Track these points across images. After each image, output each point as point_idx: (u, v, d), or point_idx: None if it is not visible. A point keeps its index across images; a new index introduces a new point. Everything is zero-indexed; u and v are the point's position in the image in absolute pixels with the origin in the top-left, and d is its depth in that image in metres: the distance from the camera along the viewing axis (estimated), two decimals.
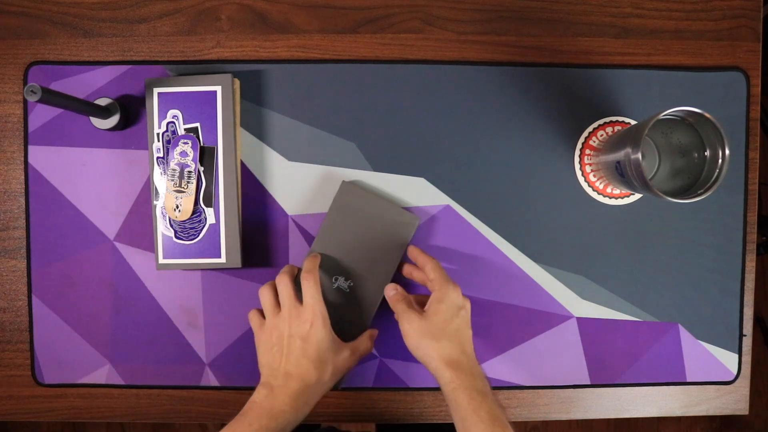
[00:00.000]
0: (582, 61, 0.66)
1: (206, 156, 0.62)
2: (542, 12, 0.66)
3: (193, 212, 0.62)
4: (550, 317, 0.66)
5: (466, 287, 0.66)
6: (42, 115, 0.65)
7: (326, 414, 0.67)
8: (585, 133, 0.66)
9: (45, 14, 0.65)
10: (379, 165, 0.65)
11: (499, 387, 0.67)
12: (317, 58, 0.65)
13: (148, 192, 0.65)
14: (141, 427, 1.55)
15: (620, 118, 0.65)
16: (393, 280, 0.63)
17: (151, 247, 0.65)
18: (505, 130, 0.66)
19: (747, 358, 0.67)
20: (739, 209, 0.66)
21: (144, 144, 0.65)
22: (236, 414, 0.54)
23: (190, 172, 0.62)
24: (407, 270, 0.63)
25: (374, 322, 0.63)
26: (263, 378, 0.56)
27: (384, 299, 0.60)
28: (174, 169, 0.62)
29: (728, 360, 0.67)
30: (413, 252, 0.61)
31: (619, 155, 0.56)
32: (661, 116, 0.51)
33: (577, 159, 0.66)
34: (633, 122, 0.66)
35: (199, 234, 0.63)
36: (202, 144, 0.62)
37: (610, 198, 0.66)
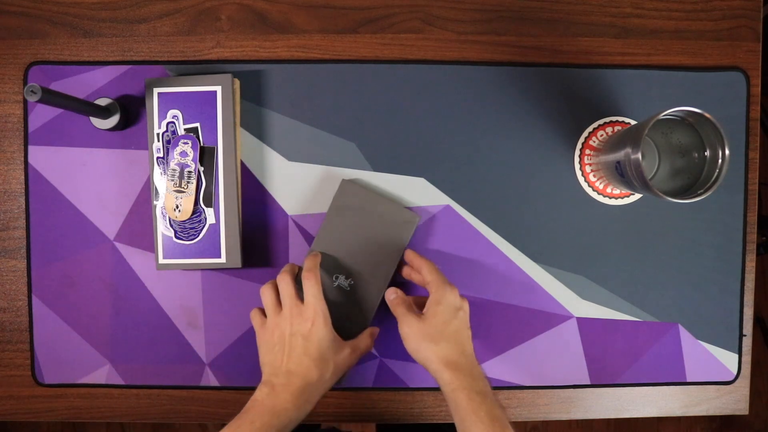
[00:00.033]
0: (582, 61, 0.66)
1: (206, 156, 0.62)
2: (542, 12, 0.66)
3: (193, 212, 0.62)
4: (550, 317, 0.66)
5: (465, 287, 0.66)
6: (42, 115, 0.65)
7: (326, 414, 0.67)
8: (585, 133, 0.66)
9: (45, 14, 0.65)
10: (379, 165, 0.65)
11: (499, 387, 0.67)
12: (317, 58, 0.65)
13: (148, 192, 0.65)
14: (141, 427, 1.55)
15: (620, 118, 0.65)
16: (393, 282, 0.63)
17: (151, 247, 0.65)
18: (505, 130, 0.66)
19: (747, 358, 0.67)
20: (739, 209, 0.66)
21: (144, 144, 0.65)
22: (236, 414, 0.54)
23: (190, 172, 0.62)
24: (407, 272, 0.63)
25: (375, 321, 0.63)
26: (265, 376, 0.56)
27: (384, 297, 0.61)
28: (174, 169, 0.62)
29: (728, 360, 0.67)
30: (409, 255, 0.61)
31: (619, 155, 0.56)
32: (661, 116, 0.51)
33: (577, 159, 0.66)
34: (633, 122, 0.66)
35: (199, 234, 0.63)
36: (202, 144, 0.62)
37: (610, 198, 0.66)
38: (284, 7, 0.65)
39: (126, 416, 0.67)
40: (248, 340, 0.66)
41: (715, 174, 0.54)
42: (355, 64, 0.65)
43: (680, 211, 0.66)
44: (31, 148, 0.65)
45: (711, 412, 0.68)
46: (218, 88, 0.62)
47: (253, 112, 0.65)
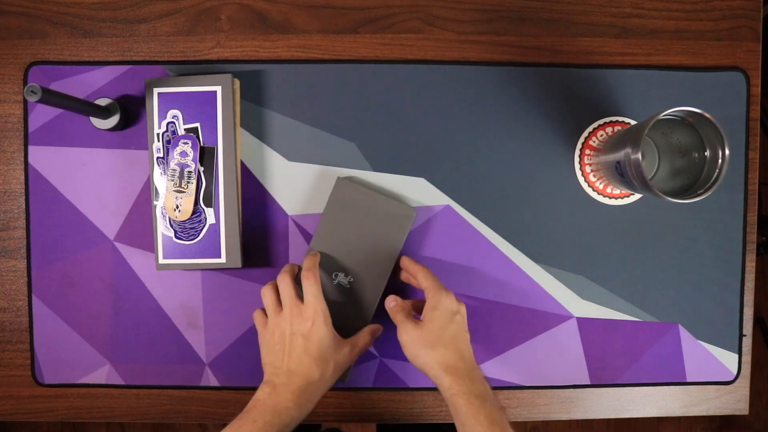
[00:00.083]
0: (582, 61, 0.66)
1: (206, 156, 0.62)
2: (542, 12, 0.66)
3: (193, 212, 0.62)
4: (550, 317, 0.66)
5: (465, 287, 0.66)
6: (42, 115, 0.65)
7: (327, 414, 0.67)
8: (585, 133, 0.66)
9: (45, 14, 0.65)
10: (379, 165, 0.65)
11: (499, 387, 0.67)
12: (317, 58, 0.65)
13: (148, 192, 0.65)
14: (141, 427, 1.55)
15: (620, 118, 0.65)
16: (392, 283, 0.63)
17: (151, 247, 0.65)
18: (505, 130, 0.66)
19: (747, 358, 0.67)
20: (739, 209, 0.66)
21: (144, 144, 0.65)
22: (236, 414, 0.54)
23: (190, 172, 0.62)
24: (405, 275, 0.63)
25: (377, 321, 0.63)
26: (266, 376, 0.57)
27: (385, 293, 0.61)
28: (174, 169, 0.62)
29: (728, 360, 0.67)
30: (405, 262, 0.62)
31: (619, 155, 0.56)
32: (661, 116, 0.51)
33: (577, 159, 0.66)
34: (633, 122, 0.66)
35: (199, 234, 0.63)
36: (202, 144, 0.62)
37: (610, 198, 0.66)
38: (284, 7, 0.65)
39: (126, 416, 0.67)
40: (248, 340, 0.66)
41: (715, 174, 0.54)
42: (355, 64, 0.65)
43: (680, 211, 0.66)
44: (31, 148, 0.65)
45: (711, 412, 0.68)
46: (218, 88, 0.62)
47: (253, 112, 0.65)
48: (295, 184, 0.65)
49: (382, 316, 0.63)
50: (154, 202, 0.63)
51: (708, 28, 0.66)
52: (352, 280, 0.63)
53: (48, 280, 0.65)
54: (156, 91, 0.62)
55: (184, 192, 0.62)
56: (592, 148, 0.65)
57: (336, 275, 0.62)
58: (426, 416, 0.67)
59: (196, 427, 1.52)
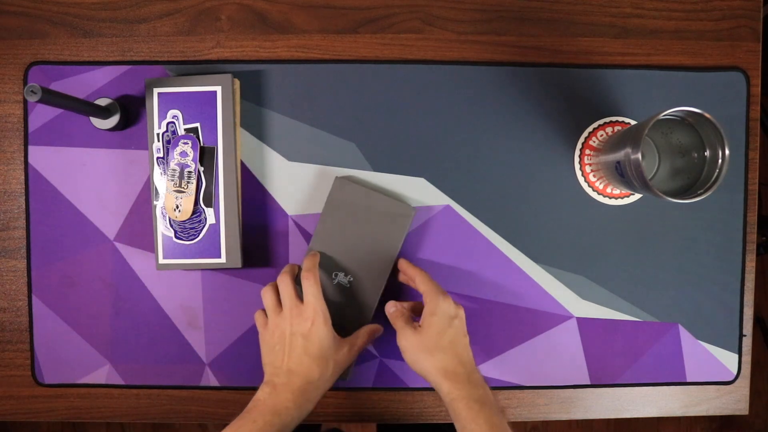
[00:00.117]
0: (582, 61, 0.66)
1: (206, 156, 0.62)
2: (542, 12, 0.66)
3: (193, 212, 0.62)
4: (550, 317, 0.66)
5: (465, 287, 0.66)
6: (42, 115, 0.65)
7: (327, 414, 0.67)
8: (585, 133, 0.66)
9: (45, 14, 0.65)
10: (379, 165, 0.65)
11: (499, 387, 0.67)
12: (317, 58, 0.65)
13: (148, 192, 0.65)
14: (141, 427, 1.55)
15: (620, 118, 0.65)
16: (392, 284, 0.63)
17: (151, 247, 0.65)
18: (505, 130, 0.66)
19: (747, 358, 0.67)
20: (739, 209, 0.66)
21: (144, 144, 0.65)
22: (236, 414, 0.54)
23: (190, 172, 0.62)
24: (403, 277, 0.63)
25: (377, 320, 0.63)
26: (266, 376, 0.57)
27: (385, 292, 0.62)
28: (174, 169, 0.62)
29: (728, 360, 0.67)
30: (403, 265, 0.62)
31: (619, 155, 0.56)
32: (661, 116, 0.51)
33: (577, 159, 0.66)
34: (633, 122, 0.66)
35: (199, 234, 0.63)
36: (202, 144, 0.62)
37: (610, 198, 0.66)
38: (284, 7, 0.65)
39: (126, 416, 0.67)
40: (248, 340, 0.66)
41: (715, 174, 0.54)
42: (355, 64, 0.65)
43: (680, 211, 0.66)
44: (31, 148, 0.65)
45: (711, 412, 0.68)
46: (218, 88, 0.62)
47: (253, 112, 0.65)
48: (295, 184, 0.65)
49: (382, 316, 0.63)
50: (154, 202, 0.63)
51: (708, 28, 0.66)
52: (351, 279, 0.63)
53: (48, 280, 0.65)
54: (156, 91, 0.62)
55: (184, 192, 0.62)
56: (592, 148, 0.65)
57: (336, 275, 0.63)
58: (426, 416, 0.67)
59: (196, 427, 1.52)
